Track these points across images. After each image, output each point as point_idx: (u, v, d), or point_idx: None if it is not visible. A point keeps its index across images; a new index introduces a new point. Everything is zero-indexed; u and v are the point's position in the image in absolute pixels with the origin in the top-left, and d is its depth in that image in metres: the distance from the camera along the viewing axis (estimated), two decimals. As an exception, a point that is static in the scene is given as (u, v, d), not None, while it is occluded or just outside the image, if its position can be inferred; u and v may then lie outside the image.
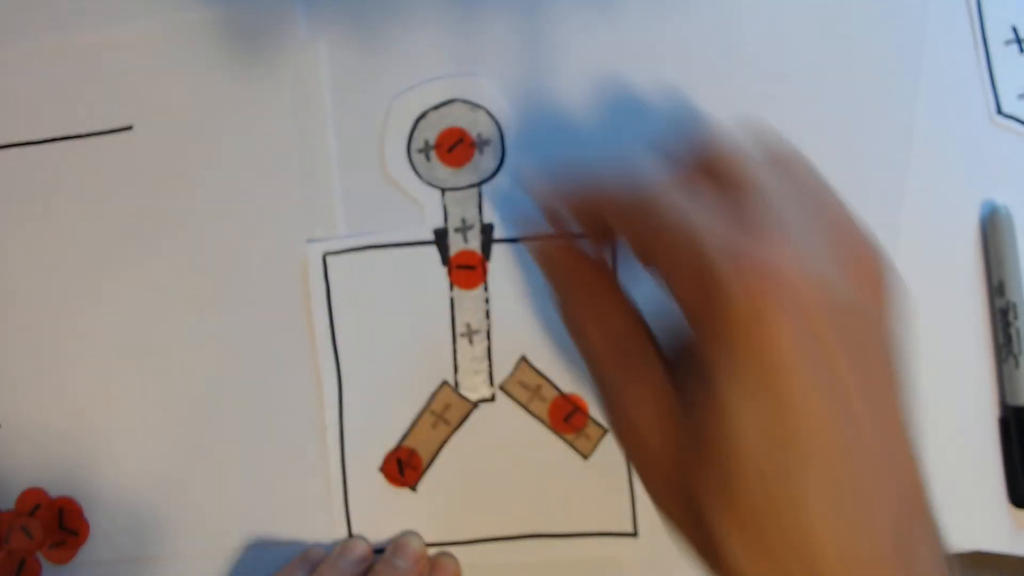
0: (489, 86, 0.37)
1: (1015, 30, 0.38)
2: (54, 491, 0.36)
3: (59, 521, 0.36)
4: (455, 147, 0.36)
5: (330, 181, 0.36)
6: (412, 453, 0.36)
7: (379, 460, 0.36)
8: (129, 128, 0.37)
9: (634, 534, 0.36)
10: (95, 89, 0.37)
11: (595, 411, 0.36)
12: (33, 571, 0.36)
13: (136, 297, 0.37)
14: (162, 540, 0.36)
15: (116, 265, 0.37)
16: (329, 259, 0.36)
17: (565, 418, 0.36)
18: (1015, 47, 0.38)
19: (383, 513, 0.36)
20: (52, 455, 0.37)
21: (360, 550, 0.35)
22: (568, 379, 0.36)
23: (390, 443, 0.36)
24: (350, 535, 0.36)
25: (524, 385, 0.36)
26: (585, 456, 0.36)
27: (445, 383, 0.36)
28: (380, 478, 0.36)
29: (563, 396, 0.36)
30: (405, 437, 0.36)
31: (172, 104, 0.37)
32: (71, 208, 0.37)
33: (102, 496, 0.36)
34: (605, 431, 0.36)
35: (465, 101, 0.36)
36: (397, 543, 0.35)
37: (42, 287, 0.37)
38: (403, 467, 0.36)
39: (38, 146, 0.37)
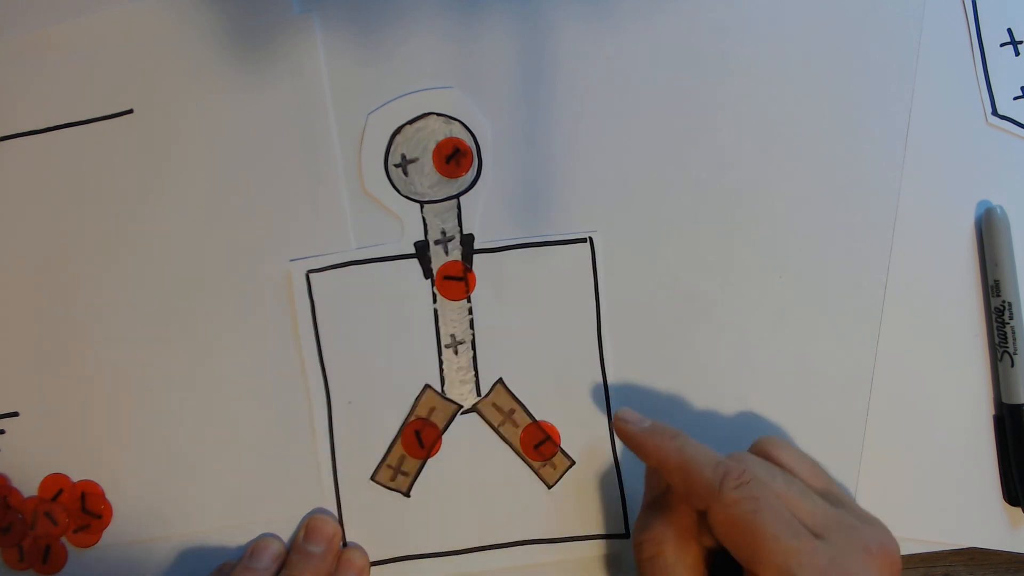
0: (464, 98, 0.36)
1: (1011, 32, 0.37)
2: (76, 475, 0.37)
3: (82, 504, 0.37)
4: (453, 157, 0.36)
5: (338, 188, 0.37)
6: (426, 423, 0.36)
7: (370, 470, 0.37)
8: (130, 112, 0.37)
9: (626, 535, 0.37)
10: (95, 74, 0.37)
11: (566, 441, 0.37)
12: (59, 557, 0.37)
13: (138, 287, 0.37)
14: (183, 519, 0.37)
15: (121, 253, 0.37)
16: (312, 277, 0.36)
17: (536, 446, 0.37)
18: (1010, 49, 0.37)
19: (376, 521, 0.37)
20: (71, 440, 0.37)
21: (271, 548, 0.36)
22: (543, 403, 0.37)
23: (379, 453, 0.37)
24: (344, 544, 0.37)
25: (498, 408, 0.37)
26: (549, 486, 0.37)
27: (428, 387, 0.37)
28: (372, 487, 0.37)
29: (535, 424, 0.37)
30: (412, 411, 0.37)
31: (172, 86, 0.37)
32: (77, 196, 0.37)
33: (122, 478, 0.37)
34: (572, 463, 0.37)
35: (440, 114, 0.36)
36: (309, 527, 0.36)
37: (51, 276, 0.37)
38: (420, 438, 0.37)
39: (43, 135, 0.37)
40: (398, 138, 0.37)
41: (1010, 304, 0.36)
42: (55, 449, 0.37)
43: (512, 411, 0.37)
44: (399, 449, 0.37)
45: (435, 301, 0.37)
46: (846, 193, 0.37)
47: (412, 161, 0.37)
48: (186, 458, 0.37)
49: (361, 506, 0.37)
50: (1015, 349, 0.36)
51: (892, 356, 0.37)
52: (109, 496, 0.37)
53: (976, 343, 0.37)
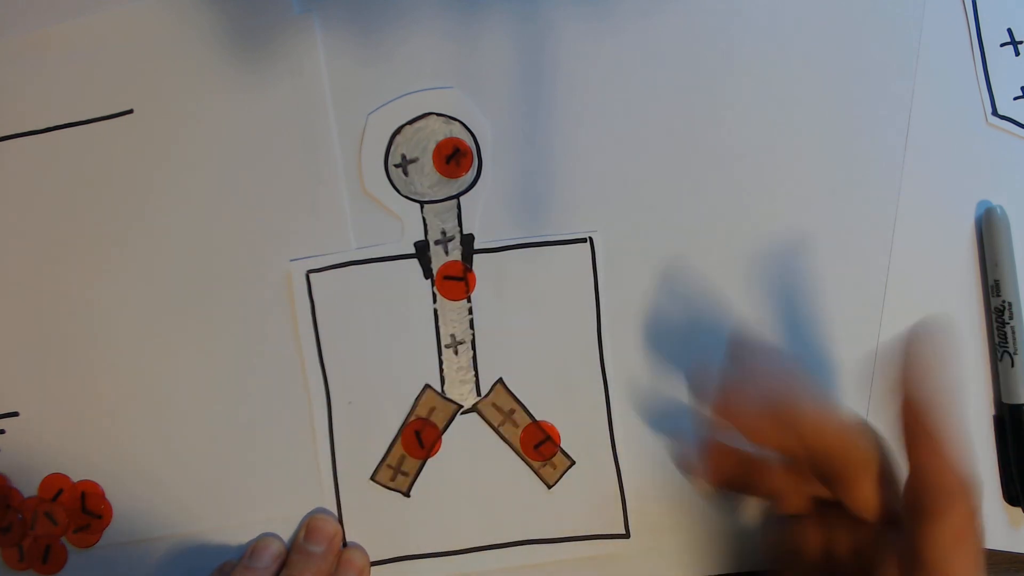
0: (464, 98, 0.37)
1: (1011, 32, 0.37)
2: (76, 475, 0.37)
3: (82, 504, 0.37)
4: (453, 157, 0.37)
5: (338, 188, 0.37)
6: (426, 423, 0.36)
7: (370, 470, 0.37)
8: (130, 112, 0.37)
9: (626, 535, 0.37)
10: (95, 74, 0.37)
11: (566, 441, 0.37)
12: (59, 557, 0.37)
13: (139, 287, 0.37)
14: (183, 519, 0.37)
15: (121, 253, 0.37)
16: (312, 277, 0.36)
17: (535, 446, 0.37)
18: (1010, 49, 0.37)
19: (376, 521, 0.37)
20: (71, 440, 0.37)
21: (271, 548, 0.36)
22: (543, 403, 0.37)
23: (379, 453, 0.37)
24: (345, 543, 0.37)
25: (498, 408, 0.37)
26: (549, 486, 0.37)
27: (428, 387, 0.37)
28: (372, 487, 0.37)
29: (535, 424, 0.37)
30: (410, 413, 0.37)
31: (172, 87, 0.37)
32: (77, 196, 0.37)
33: (122, 478, 0.37)
34: (572, 463, 0.37)
35: (440, 114, 0.36)
36: (309, 526, 0.36)
37: (51, 276, 0.37)
38: (420, 438, 0.37)
39: (43, 135, 0.37)
40: (398, 138, 0.37)
41: (1010, 304, 0.36)
42: (55, 449, 0.37)
43: (512, 411, 0.37)
44: (399, 449, 0.37)
45: (435, 301, 0.37)
46: (846, 193, 0.37)
47: (412, 161, 0.37)
48: (186, 458, 0.37)
49: (361, 506, 0.37)
50: (1015, 349, 0.36)
51: (892, 356, 0.37)
52: (109, 496, 0.37)
53: (976, 343, 0.37)
